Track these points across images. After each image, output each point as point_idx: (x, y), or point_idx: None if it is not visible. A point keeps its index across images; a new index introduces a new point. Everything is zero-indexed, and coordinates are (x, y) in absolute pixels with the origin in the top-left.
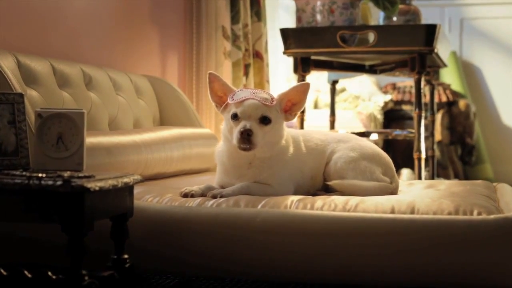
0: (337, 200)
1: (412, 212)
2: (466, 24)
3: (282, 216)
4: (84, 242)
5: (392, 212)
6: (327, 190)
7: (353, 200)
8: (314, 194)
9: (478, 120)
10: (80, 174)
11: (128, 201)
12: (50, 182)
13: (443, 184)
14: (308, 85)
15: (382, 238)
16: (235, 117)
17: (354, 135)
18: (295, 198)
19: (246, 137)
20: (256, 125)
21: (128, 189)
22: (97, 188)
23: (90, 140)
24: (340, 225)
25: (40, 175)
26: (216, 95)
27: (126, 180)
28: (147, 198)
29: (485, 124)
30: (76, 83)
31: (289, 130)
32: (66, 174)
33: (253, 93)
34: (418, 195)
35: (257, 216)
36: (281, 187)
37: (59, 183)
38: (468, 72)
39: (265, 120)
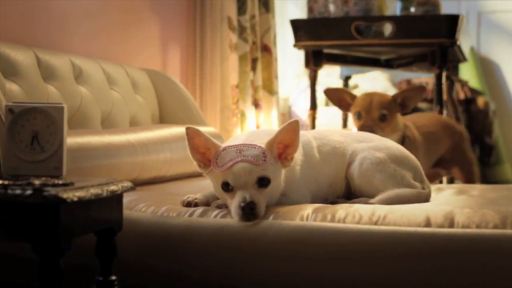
0: (362, 210)
1: (451, 225)
2: (484, 18)
3: (298, 229)
4: (60, 264)
5: (428, 225)
6: (349, 196)
7: (380, 210)
8: (333, 202)
9: (497, 119)
10: (57, 181)
11: (116, 213)
12: (18, 191)
13: (475, 189)
14: (297, 122)
15: (417, 256)
16: (227, 186)
17: (375, 135)
18: (313, 207)
19: (249, 212)
20: (255, 192)
21: (115, 199)
22: (75, 199)
23: (76, 140)
24: (366, 240)
25: (6, 182)
26: (198, 152)
27: (113, 188)
28: (141, 208)
29: (504, 123)
30: (64, 75)
31: (300, 134)
32: (38, 181)
33: (240, 152)
34: (453, 204)
35: (268, 229)
36: (296, 195)
37: (28, 192)
38: (486, 68)
39: (263, 182)
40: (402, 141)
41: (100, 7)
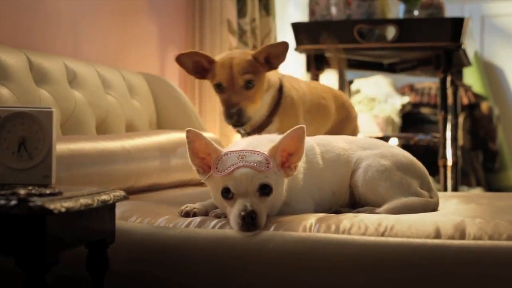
0: (368, 220)
1: (462, 237)
2: (488, 22)
3: (300, 241)
4: (46, 279)
5: (438, 236)
6: (353, 206)
7: (386, 220)
8: (337, 211)
9: (501, 124)
10: (44, 191)
11: (108, 224)
12: (2, 202)
13: (482, 197)
14: (302, 129)
15: (426, 269)
16: (227, 193)
17: (382, 142)
18: (316, 217)
19: (250, 221)
20: (257, 200)
21: (107, 209)
22: (63, 210)
23: (69, 146)
24: (373, 252)
25: None
26: (197, 157)
27: (104, 197)
28: (135, 219)
29: (508, 129)
30: (58, 79)
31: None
32: (24, 191)
33: (242, 157)
34: (462, 213)
35: (270, 240)
36: (299, 204)
37: (13, 203)
38: (490, 73)
39: (265, 190)
40: (278, 100)
41: (96, 9)
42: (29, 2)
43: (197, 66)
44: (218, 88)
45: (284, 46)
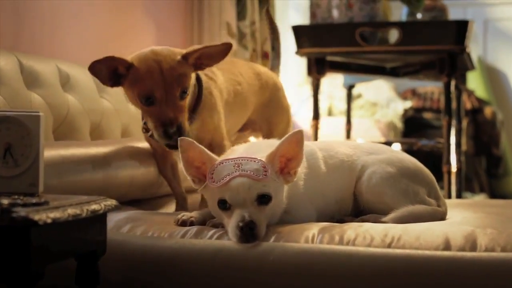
0: (373, 230)
1: (473, 248)
2: (491, 26)
3: (302, 252)
4: None
5: (447, 248)
6: (357, 215)
7: (393, 230)
8: (340, 220)
9: (505, 130)
10: (29, 200)
11: (99, 235)
12: None
13: (490, 205)
14: (301, 133)
15: (435, 283)
16: (223, 204)
17: (387, 147)
18: (318, 227)
19: (248, 232)
20: (255, 210)
21: (98, 219)
22: (49, 221)
23: (60, 152)
24: (379, 265)
25: None
26: (192, 166)
27: (94, 207)
28: (128, 229)
29: None
30: (50, 82)
31: (305, 144)
32: (7, 200)
33: (238, 166)
34: (472, 222)
35: (270, 252)
36: (300, 212)
37: None
38: (493, 77)
39: (263, 199)
40: (198, 95)
41: (91, 11)
42: (20, 3)
43: (111, 71)
44: (146, 101)
45: (226, 47)
